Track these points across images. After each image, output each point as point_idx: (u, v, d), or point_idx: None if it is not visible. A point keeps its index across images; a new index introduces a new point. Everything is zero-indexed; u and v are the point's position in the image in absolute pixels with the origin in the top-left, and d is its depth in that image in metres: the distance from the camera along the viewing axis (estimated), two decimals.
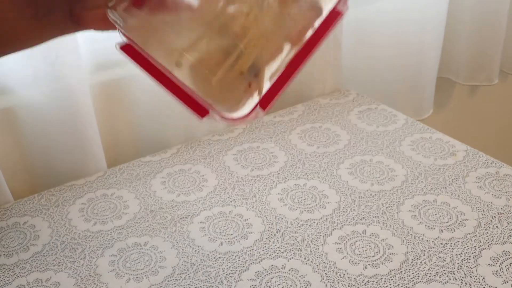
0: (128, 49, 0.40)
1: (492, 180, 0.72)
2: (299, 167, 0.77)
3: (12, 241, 0.65)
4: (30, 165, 0.77)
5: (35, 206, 0.71)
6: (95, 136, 0.77)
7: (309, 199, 0.70)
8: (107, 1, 0.41)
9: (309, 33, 0.39)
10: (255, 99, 0.39)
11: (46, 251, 0.64)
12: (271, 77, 0.39)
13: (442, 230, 0.64)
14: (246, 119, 0.39)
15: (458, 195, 0.69)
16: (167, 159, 0.80)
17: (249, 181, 0.74)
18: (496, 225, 0.64)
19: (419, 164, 0.76)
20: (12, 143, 0.75)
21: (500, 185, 0.71)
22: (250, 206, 0.69)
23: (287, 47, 0.39)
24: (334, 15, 0.39)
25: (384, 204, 0.69)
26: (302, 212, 0.68)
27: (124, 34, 0.40)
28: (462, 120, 1.30)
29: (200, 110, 0.39)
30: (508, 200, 0.68)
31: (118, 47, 0.40)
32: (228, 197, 0.71)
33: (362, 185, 0.72)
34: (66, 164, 0.77)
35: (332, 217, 0.67)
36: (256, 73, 0.39)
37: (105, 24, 0.44)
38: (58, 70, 0.70)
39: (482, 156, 0.77)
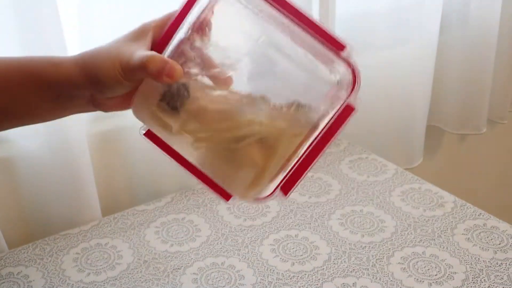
0: (151, 135, 0.44)
1: (480, 232, 0.73)
2: (291, 217, 0.78)
3: None
4: (26, 214, 0.78)
5: (29, 256, 0.72)
6: (91, 185, 0.78)
7: (301, 250, 0.71)
8: (129, 91, 0.46)
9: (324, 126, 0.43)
10: (276, 181, 0.43)
11: None
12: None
13: (431, 284, 0.65)
14: (267, 200, 0.43)
15: (447, 247, 0.71)
16: (161, 208, 0.81)
17: (241, 231, 0.75)
18: (483, 278, 0.65)
19: (408, 216, 0.77)
20: (9, 191, 0.76)
21: (488, 237, 0.72)
22: (242, 257, 0.70)
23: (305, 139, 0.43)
24: (348, 111, 0.43)
25: (374, 256, 0.70)
26: (293, 264, 0.69)
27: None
28: (452, 168, 1.32)
29: (225, 194, 0.44)
30: (495, 253, 0.69)
31: (142, 132, 0.45)
32: (221, 248, 0.72)
33: (353, 236, 0.74)
34: (62, 213, 0.78)
35: (323, 269, 0.68)
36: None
37: (123, 106, 0.49)
38: (57, 122, 0.72)
39: (470, 207, 0.79)
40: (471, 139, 1.30)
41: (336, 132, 0.43)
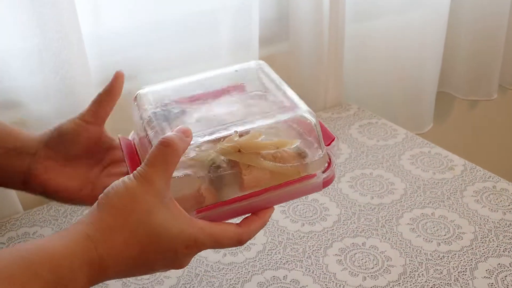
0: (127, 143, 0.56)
1: (489, 194, 0.74)
2: None
3: None
4: None
5: (44, 217, 0.73)
6: None
7: (311, 211, 0.72)
8: None
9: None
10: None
11: None
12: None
13: (439, 243, 0.65)
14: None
15: (456, 209, 0.71)
16: None
17: None
18: (492, 238, 0.66)
19: (418, 178, 0.78)
20: None
21: (497, 199, 0.73)
22: None
23: None
24: (316, 189, 0.48)
25: (384, 217, 0.70)
26: (303, 224, 0.70)
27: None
28: (462, 134, 1.32)
29: None
30: (504, 214, 0.70)
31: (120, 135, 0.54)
32: None
33: (362, 198, 0.74)
34: None
35: (333, 229, 0.69)
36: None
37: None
38: (68, 85, 0.73)
39: (480, 170, 0.79)
40: (482, 105, 1.30)
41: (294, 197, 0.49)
